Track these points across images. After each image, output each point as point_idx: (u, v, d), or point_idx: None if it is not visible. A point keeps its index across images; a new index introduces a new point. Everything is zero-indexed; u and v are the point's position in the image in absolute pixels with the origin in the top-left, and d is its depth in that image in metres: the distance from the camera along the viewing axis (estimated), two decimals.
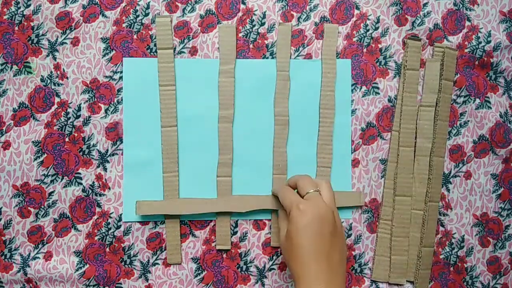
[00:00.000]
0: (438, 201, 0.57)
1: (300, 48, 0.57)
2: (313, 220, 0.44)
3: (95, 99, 0.56)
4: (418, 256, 0.56)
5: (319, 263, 0.43)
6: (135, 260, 0.56)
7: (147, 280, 0.56)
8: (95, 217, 0.56)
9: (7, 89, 0.55)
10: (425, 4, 0.58)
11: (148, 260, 0.56)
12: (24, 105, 0.55)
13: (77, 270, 0.55)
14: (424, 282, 0.56)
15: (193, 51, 0.57)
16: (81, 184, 0.56)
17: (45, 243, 0.55)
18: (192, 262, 0.56)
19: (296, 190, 0.50)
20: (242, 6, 0.57)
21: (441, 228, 0.57)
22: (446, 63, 0.57)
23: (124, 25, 0.56)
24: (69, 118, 0.56)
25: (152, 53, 0.56)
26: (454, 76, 0.57)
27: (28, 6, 0.55)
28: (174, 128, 0.56)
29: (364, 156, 0.57)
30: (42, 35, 0.56)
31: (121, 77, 0.56)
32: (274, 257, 0.56)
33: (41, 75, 0.56)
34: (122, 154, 0.56)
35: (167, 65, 0.56)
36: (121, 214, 0.56)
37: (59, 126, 0.56)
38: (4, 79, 0.55)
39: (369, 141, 0.57)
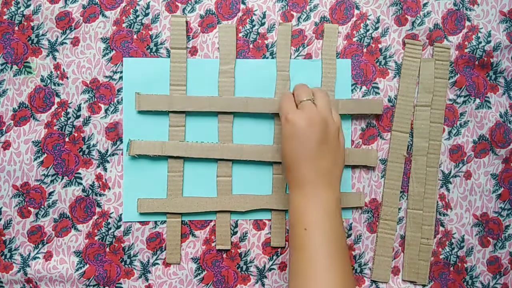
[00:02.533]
0: (435, 199, 0.57)
1: (300, 48, 0.57)
2: (298, 130, 0.46)
3: (95, 99, 0.56)
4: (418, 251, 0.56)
5: (303, 168, 0.46)
6: (135, 260, 0.56)
7: (147, 280, 0.56)
8: (95, 217, 0.56)
9: (7, 89, 0.55)
10: (425, 4, 0.58)
11: (148, 260, 0.56)
12: (24, 105, 0.55)
13: (77, 270, 0.55)
14: (423, 274, 0.56)
15: (193, 51, 0.57)
16: (81, 184, 0.56)
17: (45, 243, 0.55)
18: (192, 262, 0.56)
19: None
20: (242, 6, 0.57)
21: (441, 228, 0.57)
22: (437, 62, 0.57)
23: (124, 25, 0.56)
24: (69, 118, 0.56)
25: (152, 53, 0.56)
26: (447, 75, 0.57)
27: (28, 6, 0.55)
28: (182, 128, 0.56)
29: None
30: (42, 35, 0.56)
31: (121, 77, 0.56)
32: (274, 257, 0.56)
33: (41, 75, 0.56)
34: (122, 154, 0.56)
35: (180, 65, 0.56)
36: (121, 214, 0.56)
37: (59, 126, 0.56)
38: (4, 79, 0.55)
39: (369, 141, 0.57)
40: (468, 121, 0.58)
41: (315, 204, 0.45)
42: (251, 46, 0.57)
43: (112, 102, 0.56)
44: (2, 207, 0.55)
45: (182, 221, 0.56)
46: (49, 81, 0.56)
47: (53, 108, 0.56)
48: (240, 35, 0.57)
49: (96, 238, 0.56)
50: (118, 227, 0.56)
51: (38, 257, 0.55)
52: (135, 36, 0.56)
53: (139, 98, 0.55)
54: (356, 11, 0.58)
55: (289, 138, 0.46)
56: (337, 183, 0.47)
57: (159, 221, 0.56)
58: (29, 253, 0.55)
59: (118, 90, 0.56)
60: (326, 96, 0.50)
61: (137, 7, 0.56)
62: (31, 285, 0.55)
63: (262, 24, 0.57)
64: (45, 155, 0.55)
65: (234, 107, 0.55)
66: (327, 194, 0.46)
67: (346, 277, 0.43)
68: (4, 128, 0.55)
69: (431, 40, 0.58)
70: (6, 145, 0.55)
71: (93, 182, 0.56)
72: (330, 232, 0.44)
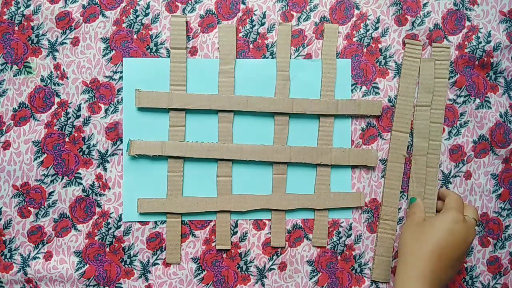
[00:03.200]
0: (435, 199, 0.56)
1: (300, 48, 0.57)
2: (460, 240, 0.48)
3: (95, 99, 0.56)
4: None
5: (432, 267, 0.47)
6: (135, 260, 0.56)
7: (147, 280, 0.56)
8: (95, 217, 0.56)
9: (7, 89, 0.55)
10: (425, 4, 0.58)
11: (148, 260, 0.56)
12: (24, 105, 0.55)
13: (77, 270, 0.55)
14: None
15: (193, 51, 0.57)
16: (81, 184, 0.56)
17: (45, 243, 0.55)
18: (192, 262, 0.56)
19: None
20: (242, 6, 0.57)
21: None
22: (436, 62, 0.57)
23: (124, 25, 0.56)
24: (69, 118, 0.56)
25: (152, 53, 0.56)
26: (447, 74, 0.57)
27: (28, 6, 0.55)
28: (182, 128, 0.56)
29: None
30: (42, 35, 0.56)
31: (121, 77, 0.56)
32: (274, 257, 0.56)
33: (41, 75, 0.56)
34: (122, 154, 0.56)
35: (179, 65, 0.56)
36: (121, 214, 0.56)
37: (59, 126, 0.56)
38: (4, 79, 0.55)
39: (369, 141, 0.57)
40: (468, 121, 0.58)
41: None
42: (251, 46, 0.57)
43: (112, 102, 0.56)
44: (2, 207, 0.55)
45: (182, 221, 0.56)
46: (49, 81, 0.56)
47: (53, 108, 0.56)
48: (240, 35, 0.57)
49: (96, 238, 0.56)
50: (118, 227, 0.56)
51: (38, 257, 0.55)
52: (135, 36, 0.56)
53: (139, 94, 0.55)
54: (356, 11, 0.58)
55: (447, 236, 0.48)
56: None
57: (159, 221, 0.56)
58: (29, 253, 0.55)
59: (118, 90, 0.56)
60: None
61: (137, 7, 0.56)
62: (31, 285, 0.55)
63: (262, 24, 0.57)
64: (45, 155, 0.55)
65: (234, 106, 0.56)
66: None
67: None
68: (4, 128, 0.55)
69: (431, 40, 0.58)
70: (6, 145, 0.55)
71: (93, 182, 0.56)
72: None
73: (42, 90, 0.56)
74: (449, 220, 0.49)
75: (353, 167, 0.57)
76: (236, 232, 0.56)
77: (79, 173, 0.56)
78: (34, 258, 0.55)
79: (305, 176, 0.57)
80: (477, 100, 0.58)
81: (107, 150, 0.56)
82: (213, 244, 0.56)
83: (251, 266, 0.56)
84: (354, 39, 0.58)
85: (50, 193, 0.55)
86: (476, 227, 0.51)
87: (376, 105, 0.57)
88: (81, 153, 0.56)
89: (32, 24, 0.56)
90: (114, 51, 0.56)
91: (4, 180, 0.55)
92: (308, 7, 0.58)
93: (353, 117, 0.57)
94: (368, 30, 0.58)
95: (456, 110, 0.58)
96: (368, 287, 0.57)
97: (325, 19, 0.58)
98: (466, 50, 0.58)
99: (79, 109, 0.56)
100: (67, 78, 0.56)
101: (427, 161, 0.57)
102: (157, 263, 0.56)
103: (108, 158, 0.56)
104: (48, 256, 0.55)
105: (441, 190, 0.56)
